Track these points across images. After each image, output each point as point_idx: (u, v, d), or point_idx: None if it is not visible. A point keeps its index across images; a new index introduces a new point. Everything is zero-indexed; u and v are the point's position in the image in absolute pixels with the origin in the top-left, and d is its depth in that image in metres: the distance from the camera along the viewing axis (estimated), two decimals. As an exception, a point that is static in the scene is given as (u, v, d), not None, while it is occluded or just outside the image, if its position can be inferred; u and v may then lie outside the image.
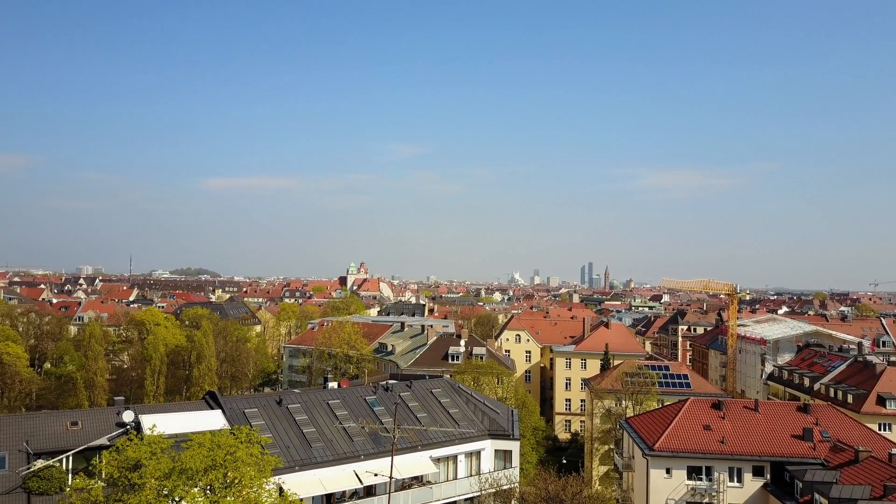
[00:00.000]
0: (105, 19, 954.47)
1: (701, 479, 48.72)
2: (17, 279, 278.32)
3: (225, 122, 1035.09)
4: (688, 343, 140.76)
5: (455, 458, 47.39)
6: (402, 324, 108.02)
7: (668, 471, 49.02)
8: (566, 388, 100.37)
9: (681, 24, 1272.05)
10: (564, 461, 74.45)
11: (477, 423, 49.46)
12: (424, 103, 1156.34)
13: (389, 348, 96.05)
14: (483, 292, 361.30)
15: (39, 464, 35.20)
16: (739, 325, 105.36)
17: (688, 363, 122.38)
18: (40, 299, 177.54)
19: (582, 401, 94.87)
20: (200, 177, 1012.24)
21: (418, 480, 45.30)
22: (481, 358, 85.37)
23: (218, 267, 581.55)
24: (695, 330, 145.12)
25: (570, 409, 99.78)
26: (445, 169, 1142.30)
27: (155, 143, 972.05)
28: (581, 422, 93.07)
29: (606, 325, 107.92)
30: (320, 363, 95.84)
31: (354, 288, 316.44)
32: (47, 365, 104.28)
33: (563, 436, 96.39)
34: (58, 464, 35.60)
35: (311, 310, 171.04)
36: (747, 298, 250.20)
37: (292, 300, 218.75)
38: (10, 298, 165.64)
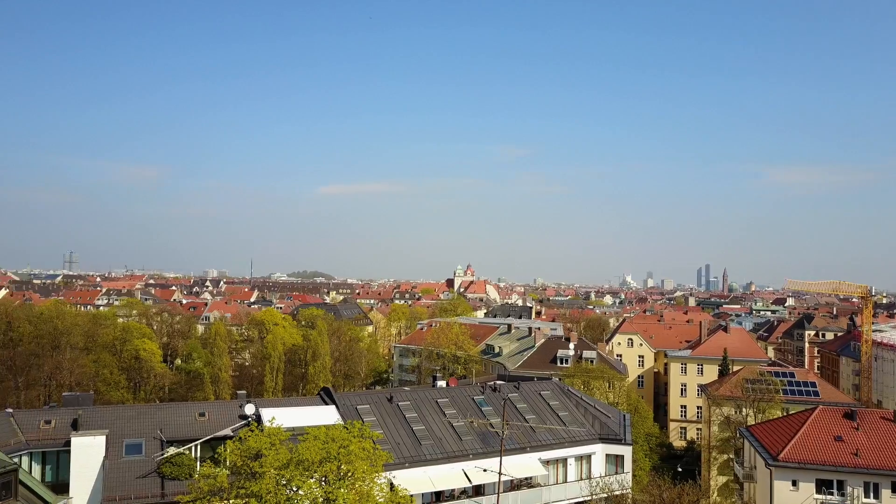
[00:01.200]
0: (217, 41, 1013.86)
1: (832, 494, 45.42)
2: (151, 281, 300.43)
3: (339, 131, 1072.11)
4: (815, 349, 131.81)
5: (565, 461, 46.61)
6: (509, 326, 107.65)
7: (794, 483, 46.03)
8: (681, 394, 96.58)
9: (805, 12, 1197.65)
10: (680, 469, 71.60)
11: (587, 427, 48.44)
12: (532, 104, 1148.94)
13: (496, 350, 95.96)
14: (593, 295, 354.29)
15: (172, 451, 37.71)
16: (875, 331, 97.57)
17: (815, 370, 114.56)
18: (172, 300, 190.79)
19: (698, 408, 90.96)
20: (316, 185, 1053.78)
21: (527, 482, 44.90)
22: (591, 361, 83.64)
23: (332, 270, 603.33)
24: (823, 335, 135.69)
25: (685, 416, 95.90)
26: (552, 170, 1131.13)
27: (275, 154, 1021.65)
28: (697, 429, 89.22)
29: (725, 330, 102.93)
30: (429, 363, 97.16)
31: (461, 290, 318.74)
32: (178, 361, 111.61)
33: (678, 443, 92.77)
34: (187, 451, 37.99)
35: (420, 311, 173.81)
36: (883, 302, 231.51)
37: (402, 302, 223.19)
38: (146, 299, 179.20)
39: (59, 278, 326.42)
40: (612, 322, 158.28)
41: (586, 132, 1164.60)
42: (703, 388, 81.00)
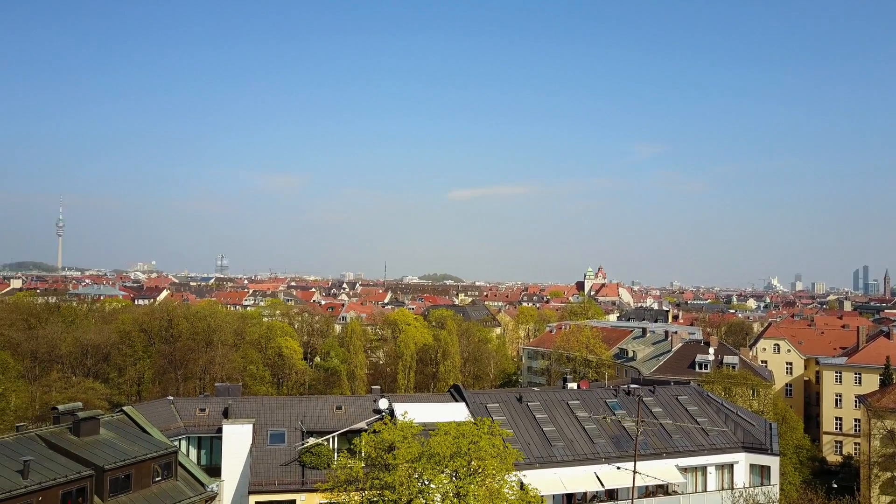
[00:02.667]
0: (344, 52, 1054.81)
1: None
2: (293, 284, 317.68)
3: (468, 135, 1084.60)
4: None
5: (704, 469, 44.30)
6: (644, 329, 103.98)
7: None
8: (836, 405, 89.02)
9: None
10: (835, 486, 65.96)
11: (729, 435, 45.77)
12: (668, 100, 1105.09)
13: (630, 354, 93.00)
14: (735, 299, 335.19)
15: (311, 441, 39.57)
16: None
17: None
18: (311, 301, 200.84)
19: (856, 420, 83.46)
20: (446, 189, 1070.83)
21: (663, 489, 43.07)
22: (733, 367, 79.02)
23: (461, 272, 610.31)
24: None
25: (840, 429, 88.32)
26: (689, 167, 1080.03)
27: (407, 161, 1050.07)
28: (855, 443, 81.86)
29: (887, 336, 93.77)
30: (558, 366, 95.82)
31: (592, 293, 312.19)
32: (317, 358, 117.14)
33: (832, 458, 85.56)
34: (326, 442, 39.72)
35: (548, 314, 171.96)
36: None
37: (530, 304, 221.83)
38: (288, 300, 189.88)
39: (212, 281, 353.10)
40: (756, 327, 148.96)
41: (726, 126, 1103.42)
42: (861, 399, 74.21)
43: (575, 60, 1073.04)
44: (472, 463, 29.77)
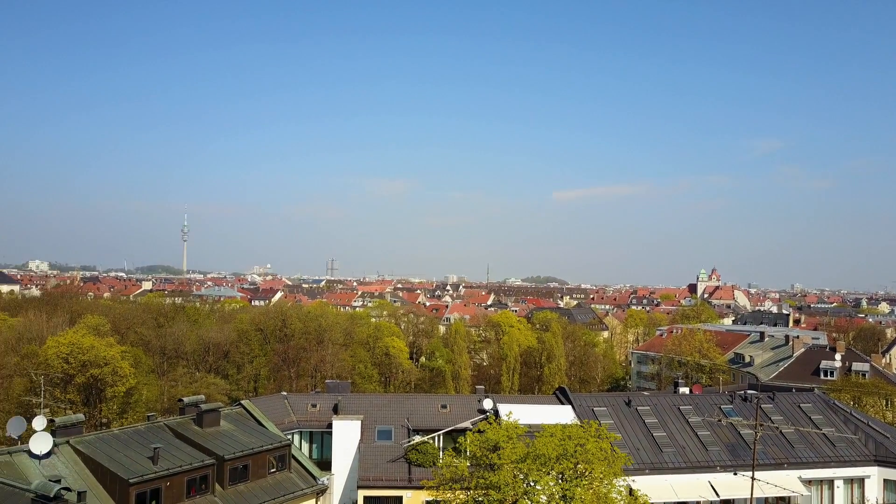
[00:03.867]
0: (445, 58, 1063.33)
1: None
2: (399, 286, 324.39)
3: (573, 135, 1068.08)
4: None
5: (831, 482, 41.36)
6: (762, 333, 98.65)
7: None
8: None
9: None
10: None
11: (859, 446, 42.52)
12: (790, 92, 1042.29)
13: (746, 359, 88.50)
14: (864, 302, 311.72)
15: (417, 439, 40.11)
16: None
17: None
18: (417, 302, 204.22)
19: None
20: (551, 190, 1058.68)
21: (784, 501, 40.59)
22: (863, 375, 73.51)
23: (566, 275, 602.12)
24: None
25: None
26: (812, 162, 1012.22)
27: (512, 163, 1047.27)
28: None
29: None
30: (669, 370, 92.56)
31: (705, 296, 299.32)
32: (422, 358, 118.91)
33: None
34: (431, 440, 40.15)
35: (658, 317, 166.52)
36: None
37: (639, 307, 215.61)
38: (394, 301, 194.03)
39: (323, 283, 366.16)
40: (890, 333, 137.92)
41: (854, 120, 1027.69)
42: None
43: (690, 53, 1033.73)
44: (579, 466, 29.17)
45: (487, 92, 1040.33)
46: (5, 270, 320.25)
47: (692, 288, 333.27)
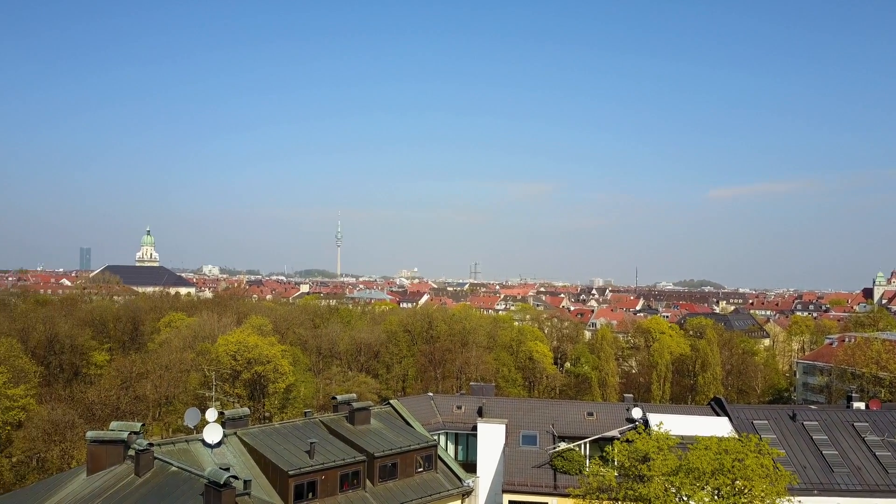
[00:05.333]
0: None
1: None
2: (542, 289, 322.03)
3: (730, 129, 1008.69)
4: None
5: None
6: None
7: None
8: None
9: None
10: None
11: None
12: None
13: (935, 372, 78.92)
14: None
15: (563, 445, 39.50)
16: None
17: None
18: (561, 306, 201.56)
19: None
20: (705, 188, 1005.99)
21: None
22: None
23: (722, 279, 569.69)
24: None
25: None
26: None
27: (662, 160, 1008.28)
28: None
29: None
30: (841, 383, 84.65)
31: (883, 301, 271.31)
32: (567, 364, 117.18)
33: None
34: (577, 448, 39.37)
35: (827, 324, 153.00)
36: None
37: (805, 313, 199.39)
38: (537, 305, 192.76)
39: (466, 286, 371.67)
40: None
41: None
42: None
43: (855, 42, 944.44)
44: (737, 482, 27.36)
45: (640, 92, 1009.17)
46: (183, 274, 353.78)
47: (867, 293, 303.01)
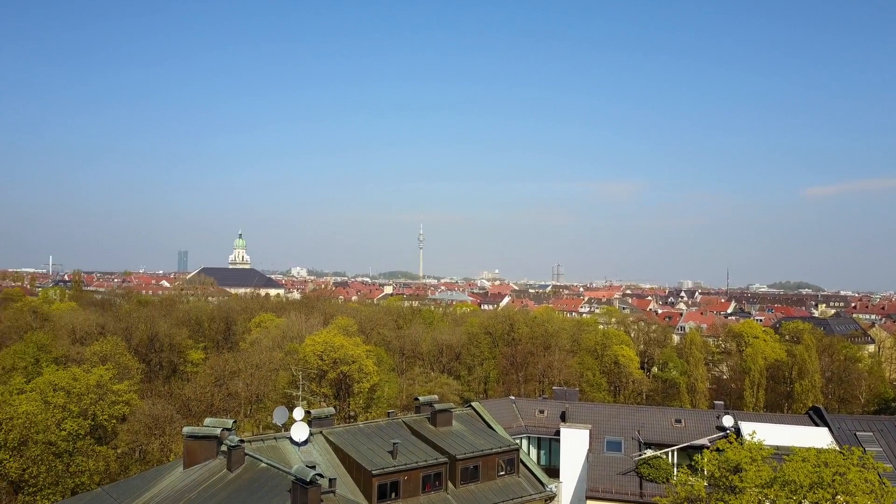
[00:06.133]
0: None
1: None
2: (628, 291, 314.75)
3: (829, 122, 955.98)
4: None
5: None
6: None
7: None
8: None
9: None
10: None
11: None
12: None
13: None
14: None
15: (649, 453, 38.45)
16: None
17: None
18: (647, 309, 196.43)
19: None
20: (802, 186, 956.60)
21: None
22: None
23: (821, 280, 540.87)
24: None
25: None
26: None
27: (758, 157, 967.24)
28: None
29: None
30: (957, 393, 78.72)
31: None
32: (654, 369, 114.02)
33: None
34: (664, 455, 38.20)
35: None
36: None
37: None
38: (623, 308, 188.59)
39: (549, 288, 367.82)
40: None
41: None
42: None
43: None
44: (838, 497, 25.82)
45: (729, 86, 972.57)
46: (272, 276, 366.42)
47: None
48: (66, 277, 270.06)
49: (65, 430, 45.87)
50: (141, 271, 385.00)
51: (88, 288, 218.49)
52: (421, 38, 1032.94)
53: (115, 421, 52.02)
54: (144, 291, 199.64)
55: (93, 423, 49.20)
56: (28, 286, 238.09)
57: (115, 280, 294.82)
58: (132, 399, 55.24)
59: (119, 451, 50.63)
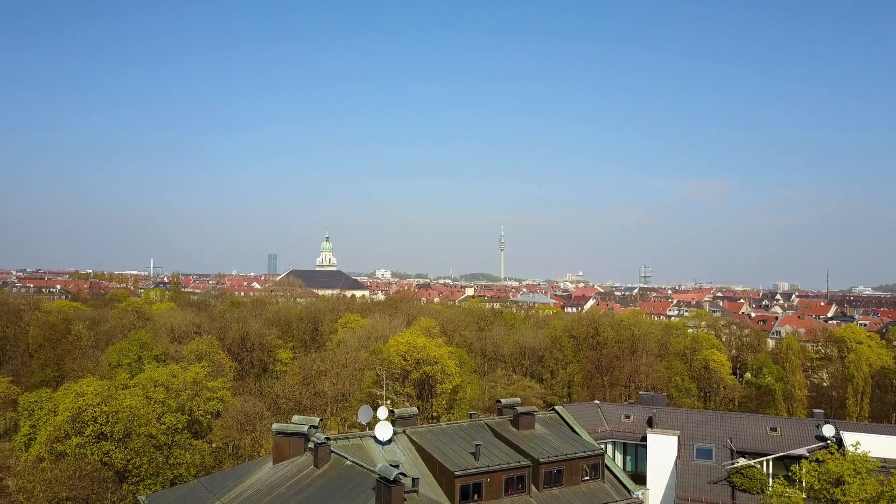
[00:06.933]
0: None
1: None
2: (719, 294, 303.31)
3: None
4: None
5: None
6: None
7: None
8: None
9: None
10: None
11: None
12: None
13: None
14: None
15: (742, 461, 36.87)
16: None
17: None
18: (740, 313, 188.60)
19: None
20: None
21: None
22: None
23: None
24: None
25: None
26: None
27: (853, 151, 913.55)
28: None
29: None
30: None
31: None
32: (747, 375, 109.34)
33: None
34: (758, 465, 36.53)
35: None
36: None
37: None
38: (714, 311, 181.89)
39: (635, 290, 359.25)
40: None
41: None
42: None
43: None
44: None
45: (826, 76, 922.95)
46: (357, 278, 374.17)
47: None
48: (165, 279, 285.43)
49: (164, 424, 48.27)
50: (233, 274, 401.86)
51: (186, 289, 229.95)
52: (509, 41, 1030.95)
53: (209, 416, 54.32)
54: (237, 293, 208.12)
55: (189, 417, 51.54)
56: (131, 288, 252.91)
57: (210, 282, 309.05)
58: (225, 396, 57.51)
59: (213, 445, 52.82)
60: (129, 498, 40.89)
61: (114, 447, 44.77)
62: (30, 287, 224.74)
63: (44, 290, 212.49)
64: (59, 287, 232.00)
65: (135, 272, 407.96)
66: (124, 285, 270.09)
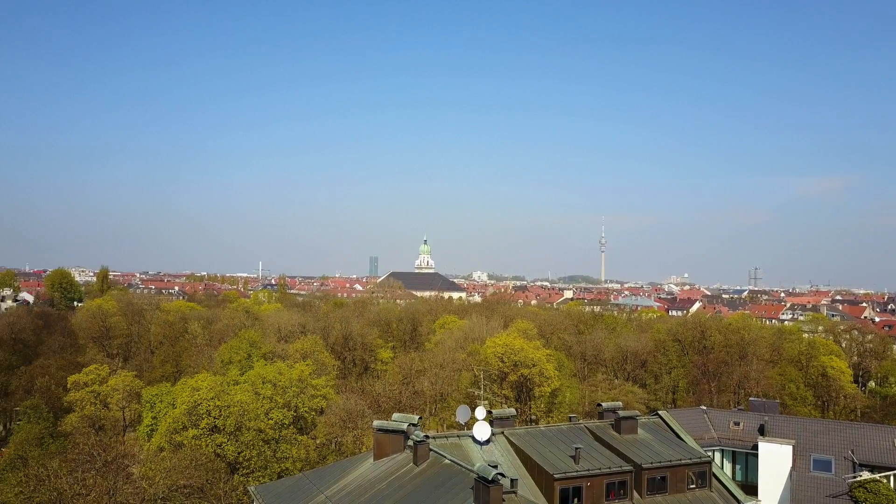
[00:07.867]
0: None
1: None
2: (838, 297, 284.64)
3: None
4: None
5: None
6: None
7: None
8: None
9: None
10: None
11: None
12: None
13: None
14: None
15: (866, 475, 34.37)
16: None
17: None
18: (862, 317, 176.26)
19: None
20: None
21: None
22: None
23: None
24: None
25: None
26: None
27: None
28: None
29: None
30: None
31: None
32: (871, 383, 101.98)
33: None
34: (884, 479, 33.93)
35: None
36: None
37: None
38: (832, 315, 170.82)
39: (745, 293, 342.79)
40: None
41: None
42: None
43: None
44: None
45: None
46: (455, 280, 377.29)
47: None
48: (273, 281, 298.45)
49: (272, 419, 50.36)
50: (336, 275, 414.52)
51: (292, 291, 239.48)
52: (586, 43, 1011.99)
53: (314, 413, 56.20)
54: (340, 294, 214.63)
55: (295, 414, 53.52)
56: (242, 289, 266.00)
57: (315, 284, 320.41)
58: (329, 394, 59.33)
59: (318, 441, 54.57)
60: (239, 488, 42.83)
61: (226, 440, 47.09)
62: (151, 288, 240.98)
63: (164, 291, 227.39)
64: (176, 288, 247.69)
65: (245, 274, 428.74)
66: (235, 287, 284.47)
